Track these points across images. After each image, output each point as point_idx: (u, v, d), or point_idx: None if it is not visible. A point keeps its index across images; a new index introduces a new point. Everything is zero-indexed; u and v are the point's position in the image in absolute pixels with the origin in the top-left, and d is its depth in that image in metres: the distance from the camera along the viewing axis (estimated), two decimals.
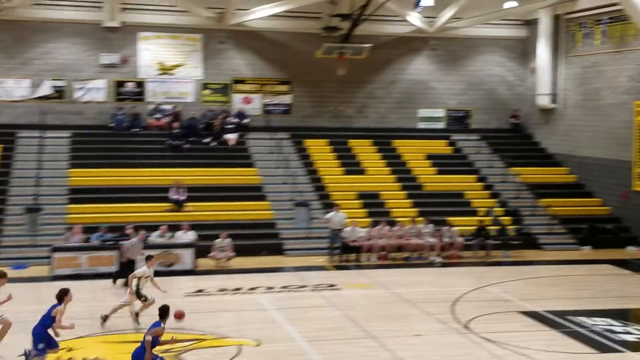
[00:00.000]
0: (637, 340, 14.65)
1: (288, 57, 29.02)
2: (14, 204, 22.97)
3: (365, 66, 29.26)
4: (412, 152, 28.46)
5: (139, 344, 11.33)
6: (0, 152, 25.33)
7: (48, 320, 11.77)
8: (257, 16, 27.79)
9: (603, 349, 13.97)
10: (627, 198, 25.04)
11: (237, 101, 28.76)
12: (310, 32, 28.81)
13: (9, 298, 12.49)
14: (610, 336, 14.69)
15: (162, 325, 11.49)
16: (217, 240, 21.37)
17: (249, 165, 26.72)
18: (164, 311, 11.67)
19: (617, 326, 15.35)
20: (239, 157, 27.02)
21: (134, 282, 14.90)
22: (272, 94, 29.10)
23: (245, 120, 28.34)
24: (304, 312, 16.72)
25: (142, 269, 15.18)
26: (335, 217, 22.25)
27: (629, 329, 15.26)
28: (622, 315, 16.23)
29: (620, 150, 25.26)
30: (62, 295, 11.99)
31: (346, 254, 22.12)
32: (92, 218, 22.30)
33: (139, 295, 14.88)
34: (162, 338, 11.51)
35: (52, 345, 11.86)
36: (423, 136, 29.51)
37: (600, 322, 15.59)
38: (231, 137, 27.40)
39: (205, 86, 28.46)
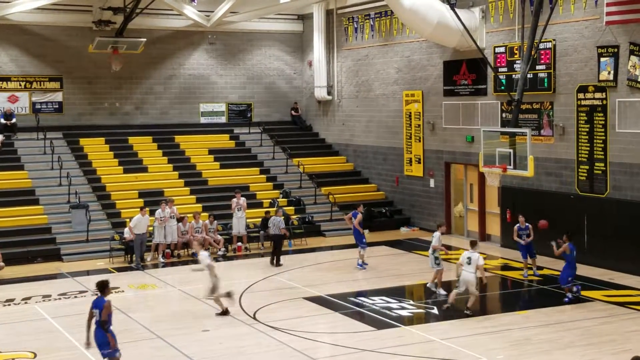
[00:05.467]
0: (411, 314, 15.61)
1: (58, 52, 27.46)
2: None
3: (141, 61, 28.49)
4: (195, 147, 28.16)
5: None
6: None
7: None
8: (20, 9, 25.92)
9: (380, 325, 14.72)
10: (398, 182, 26.64)
11: (1, 100, 26.69)
12: (81, 25, 27.47)
13: None
14: (387, 313, 15.52)
15: None
16: None
17: (19, 168, 25.00)
18: None
19: (393, 303, 16.25)
20: (7, 159, 25.15)
21: None
22: (41, 91, 27.36)
23: (12, 120, 26.40)
24: (84, 318, 15.86)
25: None
26: (142, 221, 20.99)
27: (403, 304, 16.23)
28: (397, 292, 17.22)
29: (392, 138, 26.79)
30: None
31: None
32: None
33: None
34: None
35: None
36: (205, 131, 29.32)
37: (378, 301, 16.43)
38: None
39: None
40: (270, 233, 21.02)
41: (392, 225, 25.72)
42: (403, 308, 15.92)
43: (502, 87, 21.22)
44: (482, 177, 21.98)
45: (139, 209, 21.43)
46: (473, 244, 15.49)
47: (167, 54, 29.22)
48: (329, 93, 29.72)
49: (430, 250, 17.21)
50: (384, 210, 26.18)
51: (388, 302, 16.28)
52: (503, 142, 19.61)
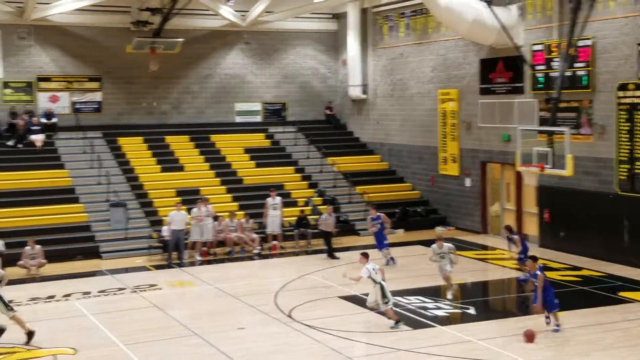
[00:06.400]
0: (447, 314, 15.53)
1: (97, 52, 27.88)
2: None
3: (178, 61, 28.76)
4: (231, 146, 28.38)
5: None
6: None
7: None
8: (60, 10, 26.40)
9: (416, 325, 14.68)
10: (433, 182, 26.52)
11: (42, 100, 27.21)
12: (120, 26, 27.83)
13: None
14: (423, 313, 15.47)
15: None
16: (27, 248, 20.18)
17: (59, 167, 25.44)
18: None
19: (429, 303, 16.19)
20: (48, 158, 25.64)
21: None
22: (81, 91, 27.81)
23: (52, 120, 26.88)
24: (123, 315, 16.16)
25: None
26: (177, 216, 21.28)
27: (439, 304, 16.16)
28: (433, 292, 17.14)
29: (427, 137, 26.68)
30: None
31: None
32: None
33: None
34: None
35: None
36: (241, 130, 29.50)
37: (414, 300, 16.38)
38: (37, 138, 25.88)
39: (6, 85, 26.64)
40: (322, 230, 22.07)
41: (427, 224, 25.60)
42: (439, 308, 15.86)
43: (540, 86, 21.00)
44: (518, 177, 21.78)
45: (173, 207, 21.68)
46: (366, 255, 15.28)
47: (204, 53, 29.47)
48: (363, 92, 29.70)
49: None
50: (419, 210, 26.08)
51: (424, 302, 16.23)
52: (540, 141, 19.41)
